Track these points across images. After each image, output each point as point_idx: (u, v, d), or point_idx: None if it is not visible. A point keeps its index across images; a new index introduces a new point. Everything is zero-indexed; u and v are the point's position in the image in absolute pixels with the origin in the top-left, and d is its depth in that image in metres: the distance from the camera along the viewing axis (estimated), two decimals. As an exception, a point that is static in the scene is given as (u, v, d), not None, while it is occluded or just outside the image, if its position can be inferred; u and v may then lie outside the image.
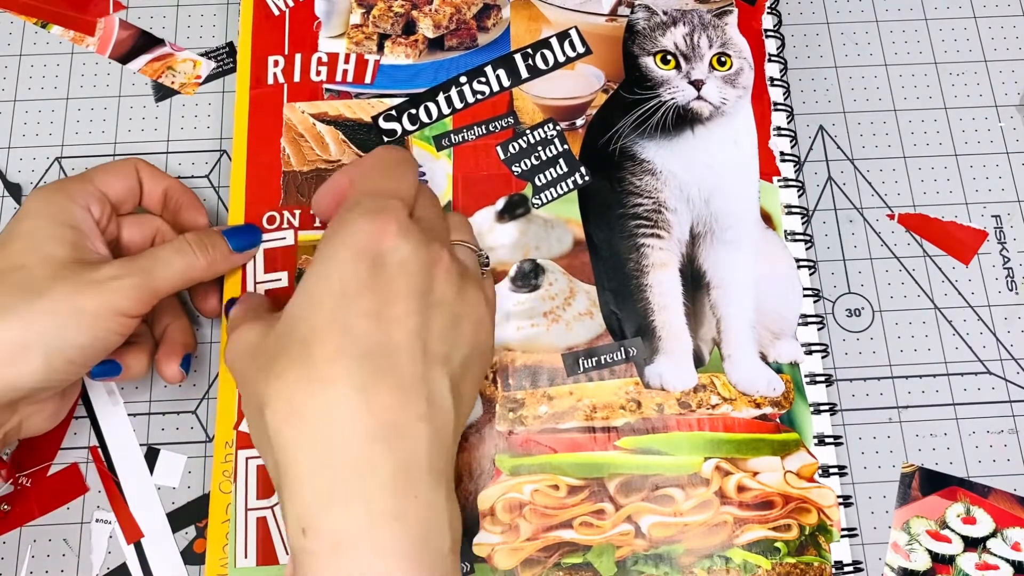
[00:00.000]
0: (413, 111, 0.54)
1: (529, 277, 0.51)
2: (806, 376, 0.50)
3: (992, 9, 0.59)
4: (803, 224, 0.53)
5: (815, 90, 0.58)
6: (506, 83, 0.54)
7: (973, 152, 0.57)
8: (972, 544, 0.49)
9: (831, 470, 0.49)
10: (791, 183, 0.53)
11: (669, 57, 0.53)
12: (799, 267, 0.52)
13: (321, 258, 0.41)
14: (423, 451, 0.38)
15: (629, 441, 0.48)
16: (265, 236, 0.51)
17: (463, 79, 0.54)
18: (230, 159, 0.54)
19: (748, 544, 0.47)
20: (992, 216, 0.56)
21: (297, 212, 0.52)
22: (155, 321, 0.50)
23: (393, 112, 0.54)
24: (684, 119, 0.52)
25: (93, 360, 0.45)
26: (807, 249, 0.53)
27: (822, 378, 0.50)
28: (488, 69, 0.54)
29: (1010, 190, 0.56)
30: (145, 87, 0.58)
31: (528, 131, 0.53)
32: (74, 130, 0.57)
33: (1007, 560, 0.49)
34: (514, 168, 0.53)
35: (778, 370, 0.50)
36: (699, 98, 0.52)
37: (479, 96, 0.54)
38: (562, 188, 0.52)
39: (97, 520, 0.50)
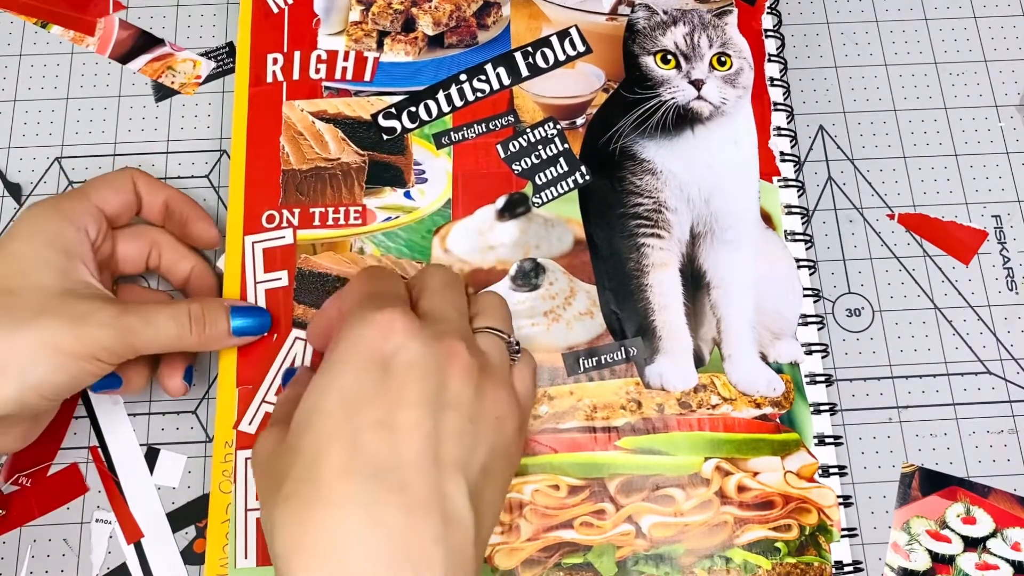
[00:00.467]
0: (413, 109, 0.54)
1: (530, 276, 0.51)
2: (806, 376, 0.50)
3: (992, 9, 0.59)
4: (803, 224, 0.53)
5: (815, 90, 0.58)
6: (506, 81, 0.54)
7: (973, 152, 0.57)
8: (972, 544, 0.49)
9: (831, 470, 0.49)
10: (791, 183, 0.53)
11: (669, 57, 0.53)
12: (799, 267, 0.52)
13: (327, 366, 0.39)
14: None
15: (629, 441, 0.48)
16: (264, 235, 0.51)
17: (463, 77, 0.54)
18: (230, 159, 0.54)
19: (748, 544, 0.47)
20: (992, 216, 0.56)
21: (296, 211, 0.52)
22: None
23: (393, 110, 0.54)
24: (684, 119, 0.52)
25: (65, 395, 0.44)
26: (807, 249, 0.53)
27: (822, 378, 0.50)
28: (488, 67, 0.54)
29: (1010, 190, 0.56)
30: (145, 87, 0.58)
31: (528, 130, 0.53)
32: (74, 130, 0.57)
33: (1007, 560, 0.49)
34: (514, 167, 0.53)
35: (778, 370, 0.50)
36: (699, 98, 0.52)
37: (479, 94, 0.54)
38: (562, 187, 0.52)
39: (97, 520, 0.50)
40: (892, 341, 0.53)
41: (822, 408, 0.50)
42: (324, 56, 0.55)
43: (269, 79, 0.54)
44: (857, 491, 0.51)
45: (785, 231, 0.52)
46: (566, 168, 0.53)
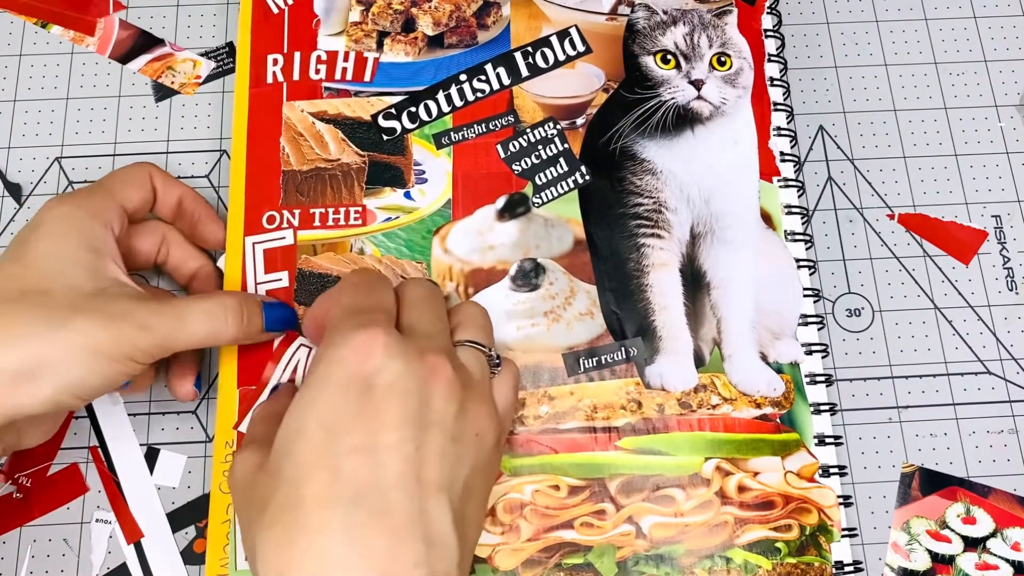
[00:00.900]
0: (413, 109, 0.54)
1: (530, 276, 0.51)
2: (806, 376, 0.50)
3: (992, 9, 0.59)
4: (803, 224, 0.53)
5: (815, 90, 0.58)
6: (506, 81, 0.54)
7: (973, 152, 0.57)
8: (972, 544, 0.49)
9: (831, 470, 0.49)
10: (791, 183, 0.53)
11: (669, 57, 0.53)
12: (799, 267, 0.52)
13: (308, 388, 0.39)
14: None
15: (630, 441, 0.48)
16: (265, 236, 0.51)
17: (463, 77, 0.54)
18: (230, 159, 0.54)
19: (749, 544, 0.47)
20: (992, 216, 0.56)
21: (296, 211, 0.52)
22: None
23: (393, 110, 0.54)
24: (684, 119, 0.52)
25: (97, 395, 0.43)
26: (807, 249, 0.53)
27: (822, 378, 0.50)
28: (488, 67, 0.54)
29: (1010, 190, 0.56)
30: (145, 87, 0.57)
31: (528, 130, 0.53)
32: (74, 130, 0.57)
33: (1007, 560, 0.49)
34: (514, 167, 0.53)
35: (778, 370, 0.50)
36: (699, 98, 0.52)
37: (479, 94, 0.54)
38: (562, 187, 0.52)
39: (97, 520, 0.50)
40: (892, 341, 0.53)
41: (822, 408, 0.50)
42: (324, 57, 0.55)
43: (269, 80, 0.54)
44: (857, 491, 0.51)
45: (785, 231, 0.52)
46: (566, 168, 0.53)
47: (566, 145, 0.53)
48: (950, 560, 0.49)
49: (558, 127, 0.53)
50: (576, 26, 0.55)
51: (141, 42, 0.58)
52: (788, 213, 0.53)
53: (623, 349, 0.49)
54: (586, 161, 0.53)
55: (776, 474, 0.48)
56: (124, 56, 0.58)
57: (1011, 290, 0.54)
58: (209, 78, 0.58)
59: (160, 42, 0.59)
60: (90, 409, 0.51)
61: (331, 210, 0.52)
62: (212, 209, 0.52)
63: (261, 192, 0.52)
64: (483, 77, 0.54)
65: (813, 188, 0.56)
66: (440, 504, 0.37)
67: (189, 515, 0.50)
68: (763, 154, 0.53)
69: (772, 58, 0.55)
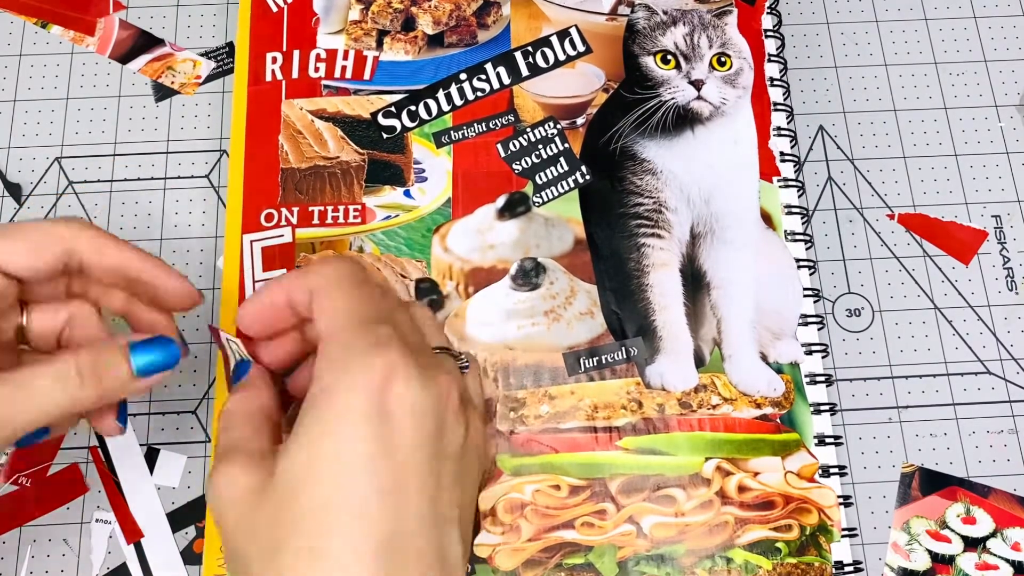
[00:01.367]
0: (413, 108, 0.54)
1: (530, 276, 0.51)
2: (806, 376, 0.50)
3: (992, 9, 0.60)
4: (803, 224, 0.53)
5: (815, 90, 0.58)
6: (506, 81, 0.54)
7: (973, 152, 0.57)
8: (972, 544, 0.49)
9: (831, 470, 0.49)
10: (791, 183, 0.53)
11: (669, 57, 0.53)
12: (799, 267, 0.52)
13: (321, 414, 0.36)
14: None
15: (630, 441, 0.48)
16: (263, 234, 0.51)
17: (463, 76, 0.54)
18: (229, 158, 0.54)
19: (749, 544, 0.47)
20: (992, 216, 0.56)
21: (295, 209, 0.52)
22: None
23: (392, 109, 0.54)
24: (684, 119, 0.52)
25: None
26: (807, 249, 0.53)
27: (822, 378, 0.50)
28: (488, 66, 0.54)
29: (1010, 190, 0.56)
30: (145, 87, 0.57)
31: (528, 129, 0.53)
32: (74, 130, 0.56)
33: (1007, 560, 0.49)
34: (514, 166, 0.53)
35: (778, 370, 0.50)
36: (699, 98, 0.52)
37: (479, 93, 0.54)
38: (563, 187, 0.52)
39: (97, 520, 0.49)
40: (892, 341, 0.53)
41: (822, 408, 0.50)
42: (323, 55, 0.55)
43: (268, 78, 0.54)
44: (857, 491, 0.50)
45: (785, 231, 0.52)
46: (566, 168, 0.53)
47: (566, 145, 0.53)
48: (950, 560, 0.49)
49: (558, 127, 0.53)
50: (576, 26, 0.55)
51: (141, 42, 0.58)
52: (788, 213, 0.53)
53: (623, 349, 0.49)
54: (586, 161, 0.53)
55: (776, 474, 0.48)
56: (124, 56, 0.58)
57: (1011, 290, 0.54)
58: (209, 78, 0.58)
59: (160, 42, 0.58)
60: (90, 409, 0.51)
61: (330, 208, 0.52)
62: (166, 265, 0.43)
63: (259, 190, 0.52)
64: (483, 76, 0.54)
65: (813, 188, 0.56)
66: (453, 535, 0.37)
67: (189, 515, 0.50)
68: (763, 154, 0.53)
69: (772, 58, 0.55)
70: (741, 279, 0.51)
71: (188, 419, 0.51)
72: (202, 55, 0.58)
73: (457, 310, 0.50)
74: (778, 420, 0.49)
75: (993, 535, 0.49)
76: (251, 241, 0.51)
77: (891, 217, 0.55)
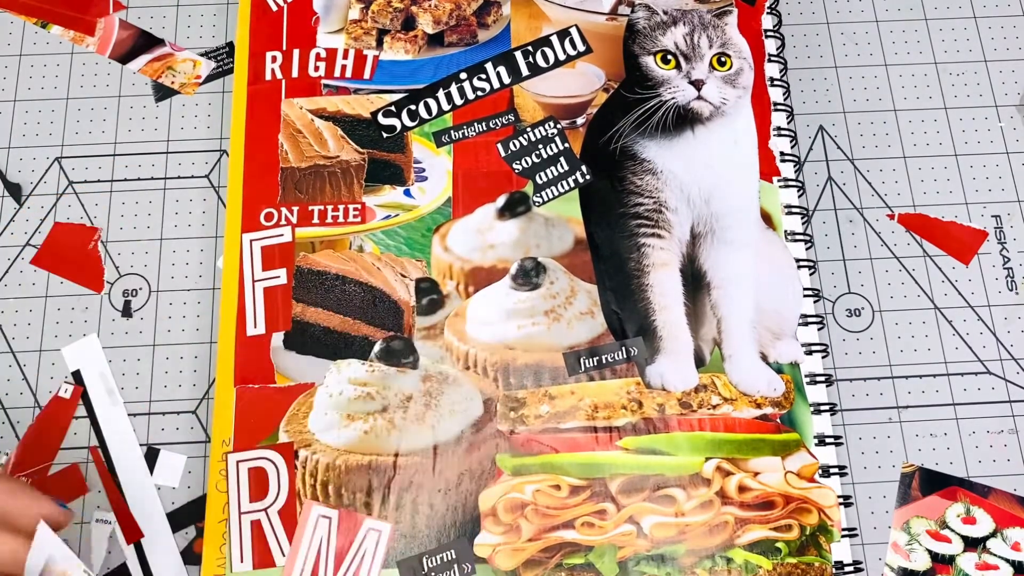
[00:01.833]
0: (413, 107, 0.54)
1: (530, 275, 0.51)
2: (806, 376, 0.50)
3: (992, 9, 0.60)
4: (803, 224, 0.53)
5: (815, 90, 0.58)
6: (506, 80, 0.54)
7: (973, 152, 0.57)
8: (972, 544, 0.49)
9: (831, 470, 0.49)
10: (791, 183, 0.53)
11: (669, 57, 0.53)
12: (799, 267, 0.52)
13: None
14: None
15: (631, 441, 0.48)
16: (263, 233, 0.51)
17: (463, 75, 0.54)
18: (229, 158, 0.54)
19: (749, 544, 0.47)
20: (992, 216, 0.56)
21: (295, 209, 0.52)
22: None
23: (392, 108, 0.54)
24: (684, 119, 0.52)
25: None
26: (807, 249, 0.53)
27: (822, 378, 0.50)
28: (488, 66, 0.54)
29: (1010, 190, 0.56)
30: (145, 87, 0.57)
31: (529, 129, 0.53)
32: (74, 130, 0.56)
33: (1007, 560, 0.49)
34: (515, 165, 0.53)
35: (778, 370, 0.50)
36: (699, 98, 0.52)
37: (479, 93, 0.54)
38: (563, 186, 0.52)
39: (97, 520, 0.49)
40: (892, 341, 0.53)
41: (822, 408, 0.50)
42: (323, 54, 0.55)
43: (268, 77, 0.54)
44: (857, 491, 0.50)
45: (785, 231, 0.52)
46: (566, 167, 0.53)
47: (566, 144, 0.53)
48: (950, 560, 0.49)
49: (558, 126, 0.53)
50: (576, 26, 0.55)
51: (141, 42, 0.58)
52: (788, 213, 0.53)
53: (624, 349, 0.49)
54: (586, 160, 0.53)
55: (776, 474, 0.48)
56: (124, 56, 0.58)
57: (1011, 290, 0.54)
58: (209, 78, 0.58)
59: (160, 42, 0.58)
60: (90, 409, 0.51)
61: (330, 207, 0.52)
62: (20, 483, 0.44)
63: (259, 189, 0.52)
64: (483, 76, 0.54)
65: (813, 188, 0.56)
66: None
67: (189, 515, 0.50)
68: (763, 154, 0.53)
69: (772, 58, 0.55)
70: (741, 279, 0.51)
71: (188, 419, 0.51)
72: (202, 55, 0.58)
73: (457, 310, 0.50)
74: (778, 420, 0.49)
75: (993, 535, 0.49)
76: (251, 240, 0.51)
77: (891, 217, 0.55)
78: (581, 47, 0.55)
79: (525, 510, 0.47)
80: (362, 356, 0.50)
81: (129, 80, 0.58)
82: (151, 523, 0.49)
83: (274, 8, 0.56)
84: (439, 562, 0.46)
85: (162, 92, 0.57)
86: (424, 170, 0.53)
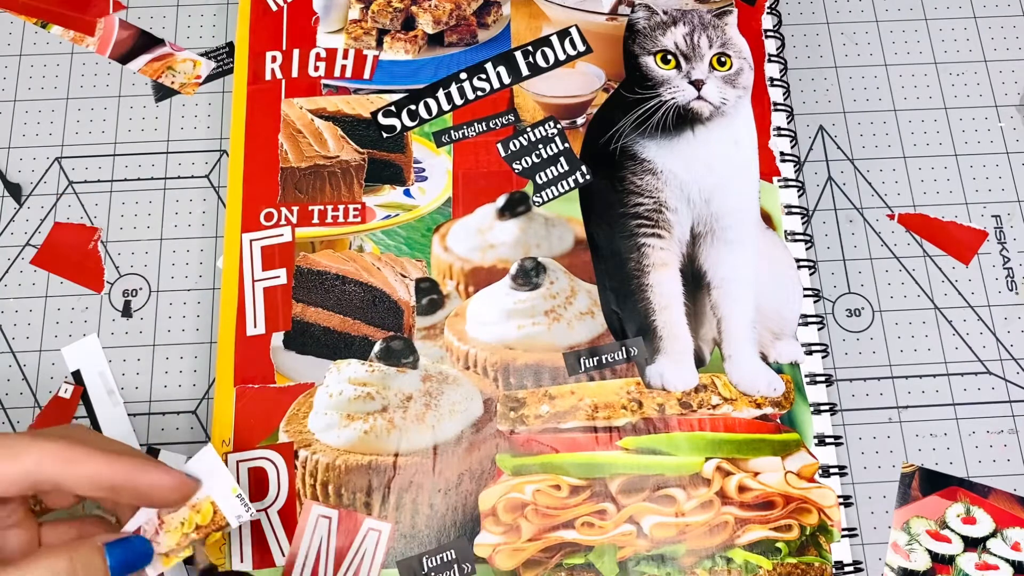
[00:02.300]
0: (413, 107, 0.54)
1: (531, 275, 0.51)
2: (806, 376, 0.50)
3: (992, 9, 0.60)
4: (803, 224, 0.53)
5: (815, 90, 0.58)
6: (507, 80, 0.54)
7: (973, 152, 0.57)
8: (972, 544, 0.49)
9: (831, 470, 0.49)
10: (791, 183, 0.53)
11: (669, 57, 0.53)
12: (799, 267, 0.52)
13: None
14: None
15: (631, 441, 0.48)
16: (263, 233, 0.51)
17: (463, 75, 0.54)
18: (229, 158, 0.54)
19: (749, 544, 0.47)
20: (992, 216, 0.56)
21: (295, 209, 0.52)
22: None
23: (392, 108, 0.54)
24: (684, 119, 0.52)
25: None
26: (807, 249, 0.53)
27: (822, 378, 0.50)
28: (488, 66, 0.54)
29: (1010, 190, 0.56)
30: (145, 87, 0.57)
31: (529, 129, 0.53)
32: (74, 130, 0.56)
33: (1007, 560, 0.49)
34: (515, 165, 0.53)
35: (778, 370, 0.50)
36: (699, 98, 0.52)
37: (479, 93, 0.54)
38: (563, 186, 0.52)
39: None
40: (892, 341, 0.53)
41: (822, 408, 0.50)
42: (323, 54, 0.55)
43: (268, 77, 0.54)
44: (857, 491, 0.50)
45: (785, 231, 0.52)
46: (566, 167, 0.53)
47: (566, 144, 0.53)
48: (950, 560, 0.49)
49: (558, 126, 0.53)
50: (576, 26, 0.55)
51: (141, 42, 0.58)
52: (788, 213, 0.53)
53: (624, 349, 0.49)
54: (586, 160, 0.53)
55: (776, 474, 0.48)
56: (124, 56, 0.58)
57: (1011, 290, 0.54)
58: (209, 78, 0.58)
59: (160, 42, 0.58)
60: (90, 409, 0.51)
61: (330, 207, 0.52)
62: (147, 463, 0.42)
63: (259, 189, 0.52)
64: (483, 76, 0.54)
65: (813, 188, 0.56)
66: None
67: (188, 515, 0.50)
68: (763, 154, 0.53)
69: (772, 58, 0.55)
70: (741, 279, 0.51)
71: (188, 419, 0.51)
72: (202, 55, 0.58)
73: (457, 310, 0.50)
74: (778, 420, 0.49)
75: (993, 535, 0.49)
76: (251, 240, 0.51)
77: (891, 217, 0.55)
78: (581, 47, 0.55)
79: (525, 510, 0.47)
80: (362, 356, 0.50)
81: (129, 80, 0.58)
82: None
83: (274, 8, 0.56)
84: (439, 562, 0.46)
85: (162, 92, 0.57)
86: (424, 170, 0.53)
